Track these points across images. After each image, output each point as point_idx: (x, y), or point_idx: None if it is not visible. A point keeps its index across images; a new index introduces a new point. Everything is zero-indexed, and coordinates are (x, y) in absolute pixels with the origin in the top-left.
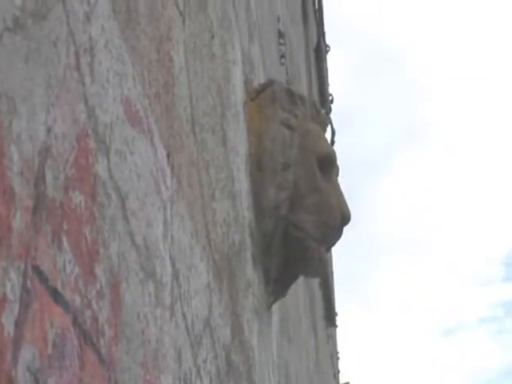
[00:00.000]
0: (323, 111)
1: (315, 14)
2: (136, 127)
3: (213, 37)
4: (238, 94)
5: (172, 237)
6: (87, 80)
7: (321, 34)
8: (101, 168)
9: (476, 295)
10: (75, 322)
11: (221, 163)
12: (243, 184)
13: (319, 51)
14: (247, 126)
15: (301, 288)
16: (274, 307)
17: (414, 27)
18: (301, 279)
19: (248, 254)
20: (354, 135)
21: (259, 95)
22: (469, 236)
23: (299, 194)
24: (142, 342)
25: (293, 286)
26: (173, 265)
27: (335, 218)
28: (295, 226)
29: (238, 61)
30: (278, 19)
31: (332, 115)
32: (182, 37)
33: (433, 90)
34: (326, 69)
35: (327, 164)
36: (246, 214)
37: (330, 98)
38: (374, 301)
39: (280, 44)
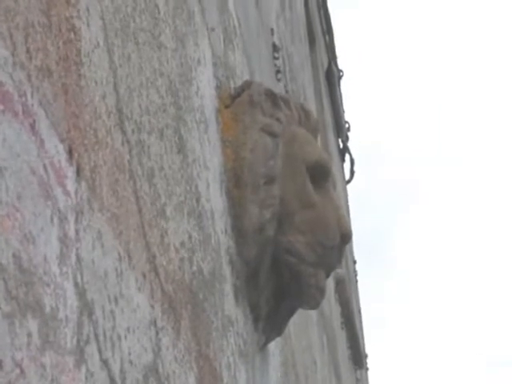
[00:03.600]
0: (314, 116)
1: (324, 36)
2: None
3: (213, 29)
4: (207, 100)
5: (79, 258)
6: None
7: (331, 57)
8: None
9: None
10: None
11: (175, 175)
12: (217, 203)
13: (331, 76)
14: (221, 138)
15: (314, 328)
16: (274, 350)
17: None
18: (314, 318)
19: (227, 287)
20: (377, 167)
21: (235, 101)
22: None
23: (288, 210)
24: None
25: (302, 326)
26: (81, 294)
27: (333, 237)
28: (285, 249)
29: (207, 62)
30: (272, 32)
31: (350, 144)
32: (96, 8)
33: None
34: (340, 95)
35: (320, 173)
36: (223, 238)
37: (347, 125)
38: (408, 338)
39: (275, 58)
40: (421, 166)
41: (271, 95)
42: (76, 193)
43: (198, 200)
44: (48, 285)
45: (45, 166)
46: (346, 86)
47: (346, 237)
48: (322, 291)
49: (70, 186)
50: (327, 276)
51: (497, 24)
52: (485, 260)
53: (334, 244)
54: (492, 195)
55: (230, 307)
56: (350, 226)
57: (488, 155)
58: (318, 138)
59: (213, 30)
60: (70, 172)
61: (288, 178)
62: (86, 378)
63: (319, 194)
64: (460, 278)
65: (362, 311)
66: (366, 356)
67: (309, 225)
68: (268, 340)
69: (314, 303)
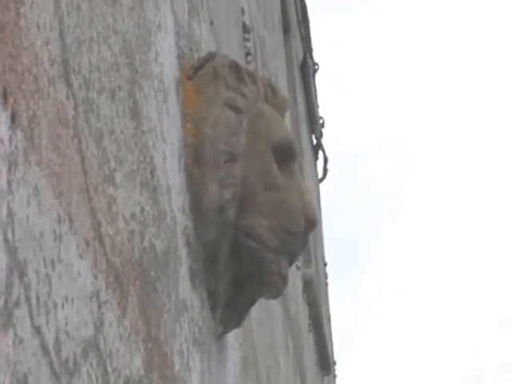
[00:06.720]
0: (282, 93)
1: (299, 26)
2: None
3: (212, 23)
4: (167, 68)
5: (11, 212)
6: None
7: (307, 49)
8: None
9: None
10: None
11: (128, 141)
12: (175, 179)
13: (305, 68)
14: (181, 110)
15: (278, 327)
16: (234, 342)
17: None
18: (279, 317)
19: (183, 269)
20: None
21: (197, 73)
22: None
23: (250, 192)
24: None
25: (265, 323)
26: (11, 253)
27: (297, 222)
28: (246, 232)
29: (168, 29)
30: (243, 11)
31: (324, 141)
32: None
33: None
34: (315, 88)
35: (286, 154)
36: (179, 217)
37: (321, 121)
38: (384, 349)
39: (245, 39)
40: (399, 170)
41: (236, 68)
42: (10, 141)
43: (152, 172)
44: None
45: None
46: (320, 81)
47: (311, 223)
48: (284, 279)
49: (3, 132)
50: (290, 264)
51: (476, 17)
52: (466, 263)
53: (298, 229)
54: (488, 197)
55: (186, 291)
56: (315, 211)
57: (486, 148)
58: (286, 117)
59: (212, 23)
60: (4, 117)
61: (251, 156)
62: (14, 343)
63: (284, 176)
64: (443, 285)
65: (333, 317)
66: (334, 363)
67: (272, 208)
68: (226, 330)
69: (276, 292)
